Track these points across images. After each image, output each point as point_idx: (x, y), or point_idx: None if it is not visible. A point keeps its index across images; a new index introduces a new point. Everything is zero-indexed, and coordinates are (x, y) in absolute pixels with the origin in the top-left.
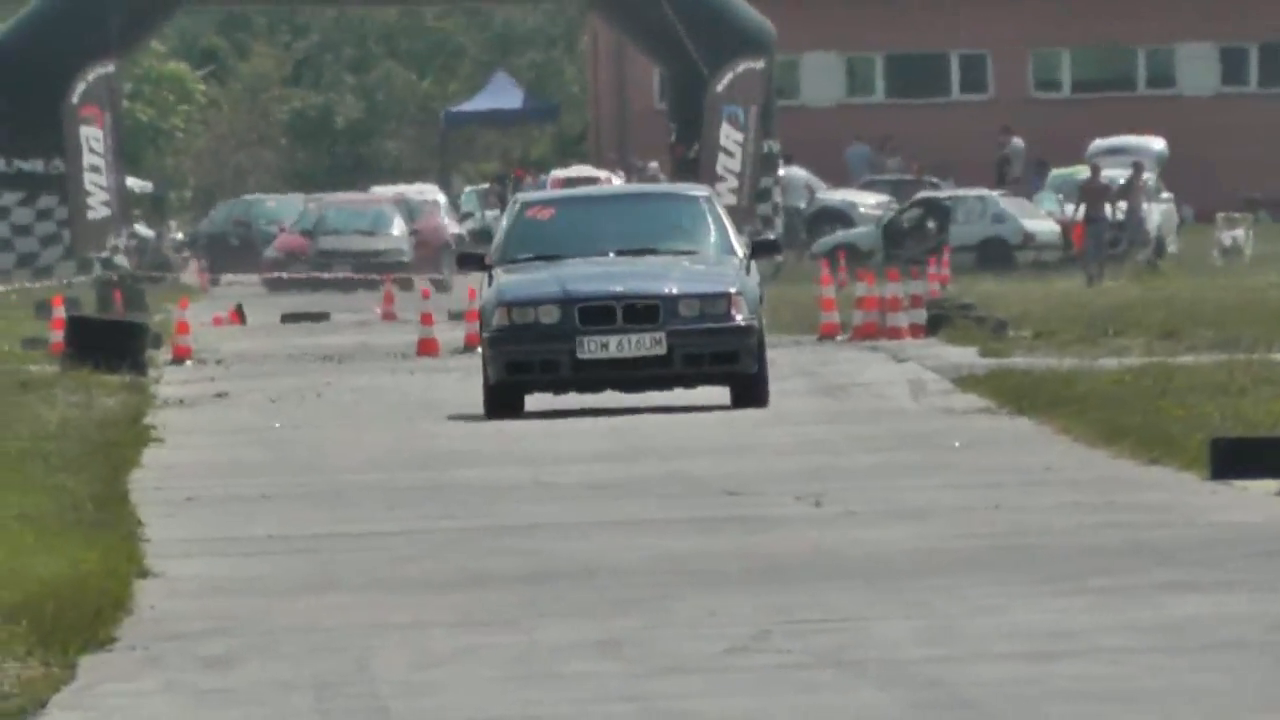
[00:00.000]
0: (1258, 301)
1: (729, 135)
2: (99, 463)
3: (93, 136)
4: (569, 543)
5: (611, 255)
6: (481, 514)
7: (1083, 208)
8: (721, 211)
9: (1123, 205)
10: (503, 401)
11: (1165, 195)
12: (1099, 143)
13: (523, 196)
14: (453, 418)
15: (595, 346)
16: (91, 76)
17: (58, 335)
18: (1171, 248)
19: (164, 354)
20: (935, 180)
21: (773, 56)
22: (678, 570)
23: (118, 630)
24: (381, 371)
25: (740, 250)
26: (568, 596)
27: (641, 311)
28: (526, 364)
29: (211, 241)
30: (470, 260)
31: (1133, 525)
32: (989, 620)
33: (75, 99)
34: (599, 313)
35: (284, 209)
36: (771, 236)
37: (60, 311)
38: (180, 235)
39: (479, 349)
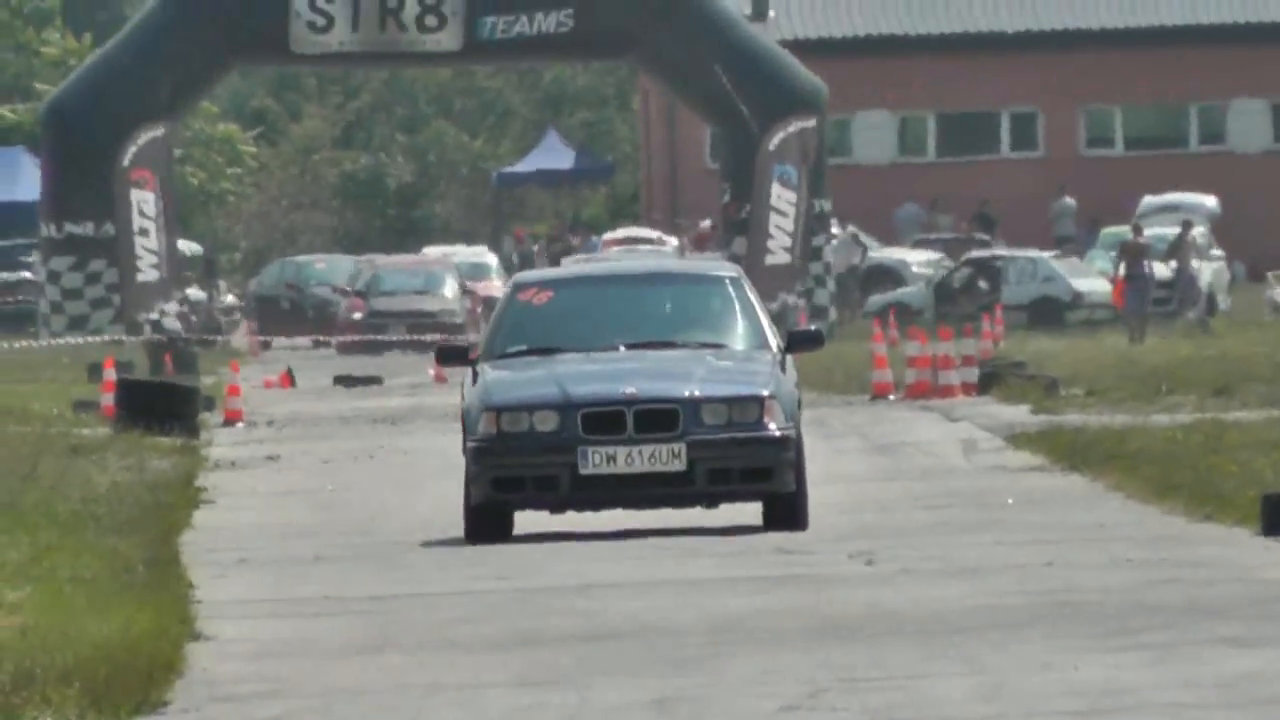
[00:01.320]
0: None
1: (780, 195)
2: (151, 525)
3: (143, 200)
4: (623, 602)
5: (621, 349)
6: (534, 574)
7: (1123, 265)
8: (753, 296)
9: (1172, 264)
10: (487, 524)
11: (1217, 252)
12: (1150, 200)
13: (517, 277)
14: None
15: (601, 460)
16: (143, 140)
17: (109, 398)
18: (1223, 305)
19: (215, 417)
20: (985, 238)
21: (824, 115)
22: (732, 629)
23: (170, 693)
24: (434, 433)
25: (775, 343)
26: (622, 656)
27: (657, 418)
28: (517, 481)
29: (261, 303)
30: (453, 355)
31: (1185, 581)
32: (1043, 677)
33: (126, 162)
34: (606, 419)
35: (334, 271)
36: (813, 328)
37: (111, 374)
38: (231, 298)
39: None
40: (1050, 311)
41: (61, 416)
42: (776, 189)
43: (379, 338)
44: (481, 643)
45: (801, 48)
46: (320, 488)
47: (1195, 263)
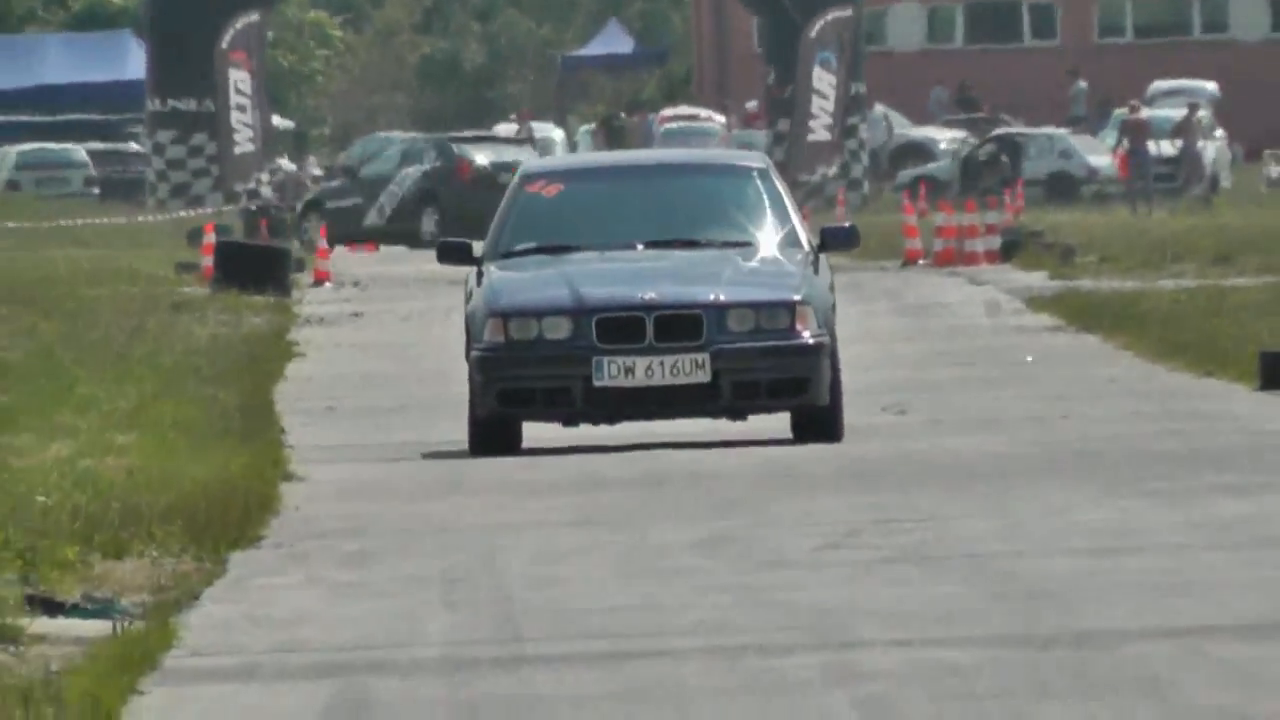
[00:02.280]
0: None
1: (821, 78)
2: (246, 376)
3: (240, 79)
4: (678, 452)
5: (639, 248)
6: (601, 426)
7: (1125, 141)
8: (782, 189)
9: (1178, 142)
10: (493, 437)
11: (1219, 133)
12: (1158, 84)
13: (525, 166)
14: None
15: (618, 371)
16: (239, 24)
17: (208, 260)
18: (1225, 182)
19: (305, 277)
20: (1007, 118)
21: (860, 6)
22: (775, 475)
23: (265, 529)
24: None
25: (806, 241)
26: (676, 499)
27: (679, 325)
28: (526, 393)
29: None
30: (454, 252)
31: (1188, 433)
32: (1059, 519)
33: (225, 44)
34: (623, 326)
35: None
36: (848, 225)
37: (211, 238)
38: (318, 169)
39: None
40: (1066, 185)
41: (165, 278)
42: (817, 72)
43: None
44: (548, 487)
45: None
46: (401, 342)
47: (1200, 142)
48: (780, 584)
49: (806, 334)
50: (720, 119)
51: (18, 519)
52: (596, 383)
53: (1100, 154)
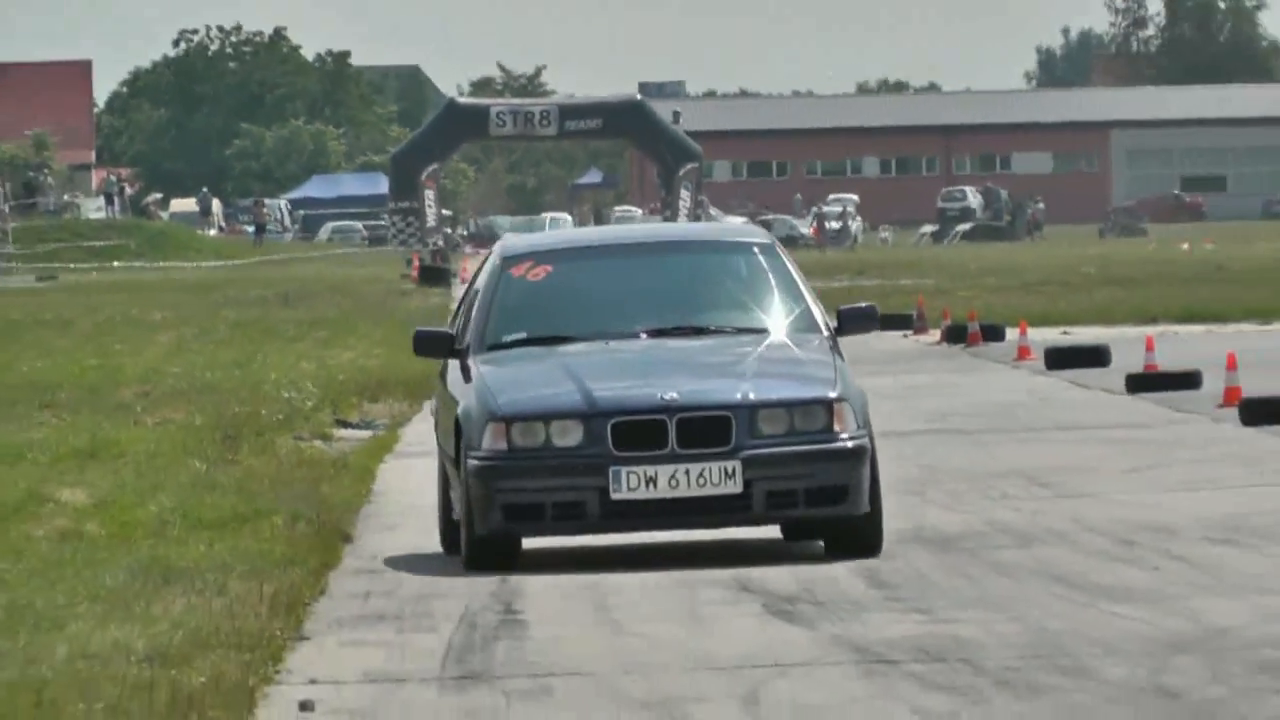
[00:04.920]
0: None
1: (684, 195)
2: (434, 318)
3: (429, 193)
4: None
5: (643, 337)
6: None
7: (816, 222)
8: (791, 266)
9: (839, 222)
10: (495, 555)
11: (857, 219)
12: (831, 196)
13: (504, 248)
14: None
15: (638, 482)
16: (430, 168)
17: (414, 273)
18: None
19: (457, 281)
20: (768, 211)
21: (702, 160)
22: None
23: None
24: None
25: (824, 324)
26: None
27: (705, 428)
28: (535, 508)
29: (476, 238)
30: (432, 343)
31: None
32: None
33: (423, 177)
34: (642, 431)
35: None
36: (865, 304)
37: (415, 263)
38: (464, 233)
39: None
40: (789, 243)
41: (396, 280)
42: (682, 193)
43: None
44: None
45: (692, 132)
46: None
47: (850, 222)
48: None
49: (845, 435)
50: (639, 211)
51: (330, 388)
52: (614, 495)
53: (806, 227)
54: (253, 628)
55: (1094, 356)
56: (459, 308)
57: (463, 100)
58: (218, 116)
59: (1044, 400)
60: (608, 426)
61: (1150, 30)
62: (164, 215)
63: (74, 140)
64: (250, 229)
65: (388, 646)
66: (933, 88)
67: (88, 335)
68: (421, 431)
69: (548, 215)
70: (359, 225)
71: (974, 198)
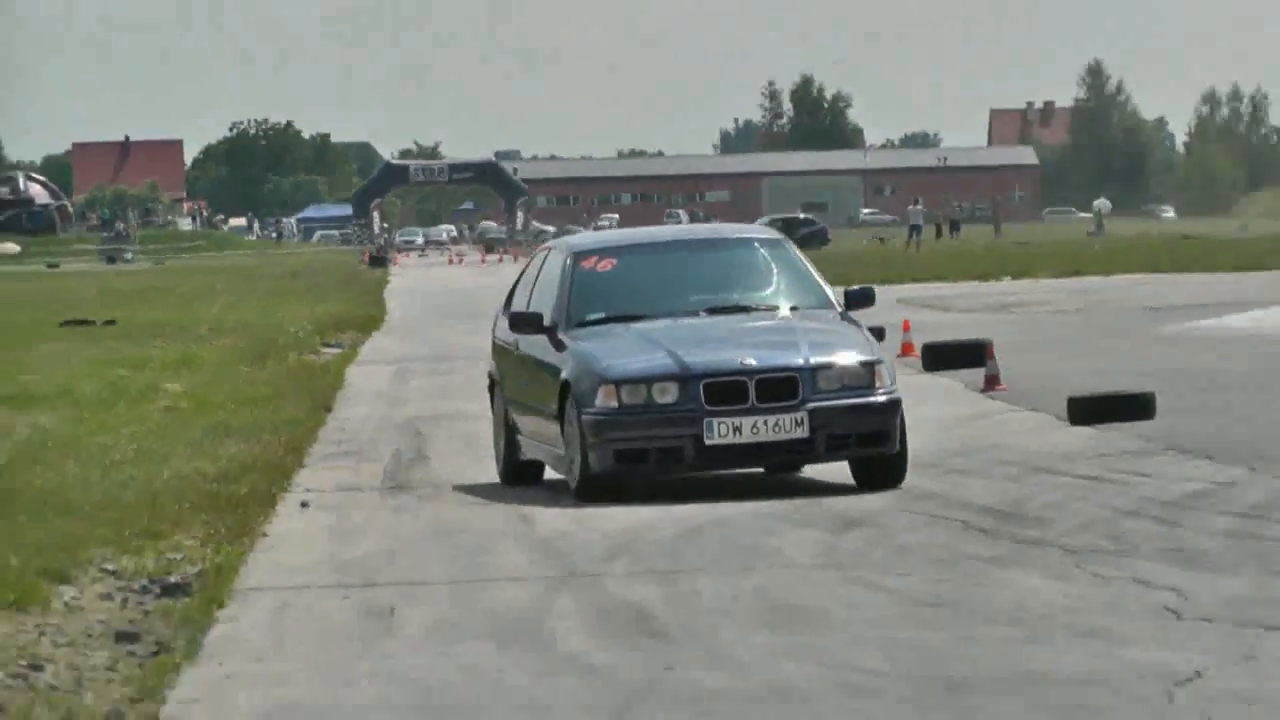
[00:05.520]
0: None
1: (519, 218)
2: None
3: (376, 216)
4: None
5: (702, 314)
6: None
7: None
8: (802, 258)
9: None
10: (604, 489)
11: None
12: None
13: (573, 245)
14: None
15: (727, 430)
16: (377, 200)
17: (366, 259)
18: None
19: (393, 265)
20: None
21: (531, 199)
22: None
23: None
24: None
25: (836, 302)
26: None
27: (777, 386)
28: (640, 453)
29: (401, 242)
30: (527, 322)
31: None
32: None
33: (372, 206)
34: (727, 390)
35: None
36: (866, 286)
37: (366, 254)
38: (394, 239)
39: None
40: None
41: (354, 264)
42: (519, 215)
43: None
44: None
45: (525, 179)
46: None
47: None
48: None
49: (882, 390)
50: (685, 215)
51: (318, 325)
52: (708, 441)
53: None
54: (274, 460)
55: None
56: (510, 294)
57: (394, 162)
58: (255, 171)
59: None
60: (700, 386)
61: (784, 119)
62: (225, 228)
63: (172, 184)
64: (274, 236)
65: (351, 470)
66: (659, 153)
67: (180, 296)
68: (372, 349)
69: (442, 227)
70: (337, 233)
71: (685, 217)
